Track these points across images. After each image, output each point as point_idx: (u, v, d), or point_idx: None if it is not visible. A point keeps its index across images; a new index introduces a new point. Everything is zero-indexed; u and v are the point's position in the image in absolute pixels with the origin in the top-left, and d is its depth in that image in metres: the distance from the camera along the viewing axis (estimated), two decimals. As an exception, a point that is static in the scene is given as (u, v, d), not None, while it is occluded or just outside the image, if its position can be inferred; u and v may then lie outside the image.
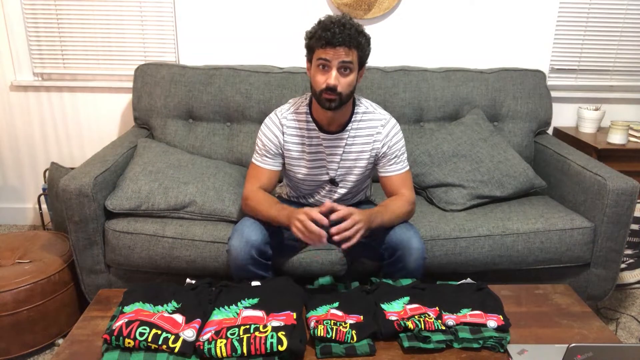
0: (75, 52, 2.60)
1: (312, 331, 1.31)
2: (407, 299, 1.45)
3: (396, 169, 1.68)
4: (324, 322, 1.32)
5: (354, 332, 1.31)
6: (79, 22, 2.54)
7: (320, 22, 1.51)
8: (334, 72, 1.49)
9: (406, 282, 1.56)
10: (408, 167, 1.72)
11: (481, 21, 2.59)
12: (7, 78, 2.63)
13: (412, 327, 1.31)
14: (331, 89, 1.50)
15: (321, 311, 1.40)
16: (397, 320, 1.34)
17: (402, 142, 1.70)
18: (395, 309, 1.41)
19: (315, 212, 1.45)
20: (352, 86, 1.54)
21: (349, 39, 1.47)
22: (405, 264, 1.60)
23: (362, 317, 1.38)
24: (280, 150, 1.68)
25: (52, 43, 2.58)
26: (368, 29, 2.57)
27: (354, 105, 1.67)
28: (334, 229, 1.45)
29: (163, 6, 2.53)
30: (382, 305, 1.42)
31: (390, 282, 1.57)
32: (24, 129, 2.71)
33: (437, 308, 1.40)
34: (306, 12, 2.52)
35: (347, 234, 1.44)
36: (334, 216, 1.46)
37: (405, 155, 1.72)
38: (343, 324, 1.33)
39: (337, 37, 1.45)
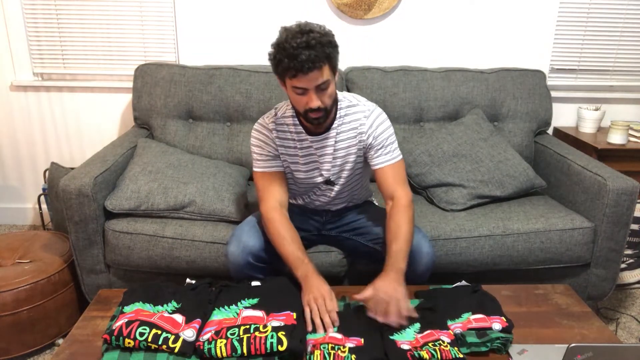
0: (75, 52, 2.60)
1: (308, 357, 1.23)
2: (417, 326, 1.35)
3: (386, 159, 1.62)
4: (321, 346, 1.25)
5: (353, 356, 1.22)
6: (79, 22, 2.54)
7: (280, 45, 1.39)
8: (313, 96, 1.43)
9: (413, 303, 1.45)
10: (400, 157, 1.65)
11: (481, 21, 2.59)
12: (7, 78, 2.63)
13: (427, 358, 1.22)
14: (315, 110, 1.46)
15: (320, 335, 1.32)
16: (410, 350, 1.24)
17: (389, 131, 1.63)
18: (406, 339, 1.30)
19: (334, 312, 1.36)
20: (333, 95, 1.50)
21: (318, 60, 1.37)
22: (414, 269, 1.57)
23: (362, 340, 1.29)
24: (277, 152, 1.65)
25: (52, 43, 2.58)
26: (368, 29, 2.61)
27: (336, 102, 1.62)
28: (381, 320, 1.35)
29: (163, 6, 2.53)
30: (392, 337, 1.30)
31: None
32: (24, 129, 2.71)
33: (450, 331, 1.33)
34: (306, 12, 2.52)
35: (397, 321, 1.34)
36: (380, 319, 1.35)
37: (396, 144, 1.65)
38: (342, 347, 1.25)
39: (306, 64, 1.35)
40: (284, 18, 2.53)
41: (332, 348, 1.24)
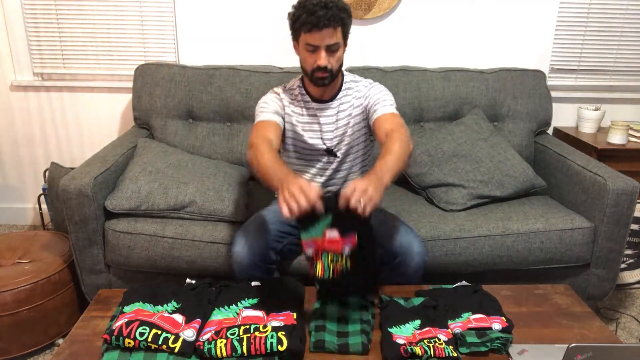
0: (75, 52, 2.60)
1: (316, 273, 1.27)
2: (418, 322, 1.37)
3: (383, 110, 1.64)
4: (322, 256, 1.27)
5: (348, 263, 1.27)
6: (79, 22, 2.54)
7: (301, 4, 1.54)
8: (323, 54, 1.55)
9: (418, 300, 1.47)
10: (397, 112, 1.66)
11: (481, 21, 2.59)
12: (7, 78, 2.63)
13: (420, 354, 1.23)
14: (322, 69, 1.56)
15: (315, 232, 1.26)
16: (405, 345, 1.25)
17: (385, 92, 1.70)
18: (404, 334, 1.32)
19: (312, 194, 1.21)
20: (340, 60, 1.61)
21: (333, 19, 1.50)
22: (406, 269, 1.59)
23: (356, 234, 1.26)
24: (283, 112, 1.73)
25: (52, 43, 2.58)
26: (368, 29, 2.61)
27: (342, 75, 1.74)
28: (343, 204, 1.23)
29: (163, 6, 2.53)
30: (390, 330, 1.33)
31: (401, 302, 1.46)
32: (24, 129, 2.71)
33: (449, 330, 1.34)
34: (306, 12, 2.52)
35: (357, 204, 1.20)
36: (341, 203, 1.22)
37: (393, 101, 1.68)
38: (340, 259, 1.27)
39: (322, 20, 1.49)
40: (284, 18, 2.52)
41: (332, 261, 1.28)
